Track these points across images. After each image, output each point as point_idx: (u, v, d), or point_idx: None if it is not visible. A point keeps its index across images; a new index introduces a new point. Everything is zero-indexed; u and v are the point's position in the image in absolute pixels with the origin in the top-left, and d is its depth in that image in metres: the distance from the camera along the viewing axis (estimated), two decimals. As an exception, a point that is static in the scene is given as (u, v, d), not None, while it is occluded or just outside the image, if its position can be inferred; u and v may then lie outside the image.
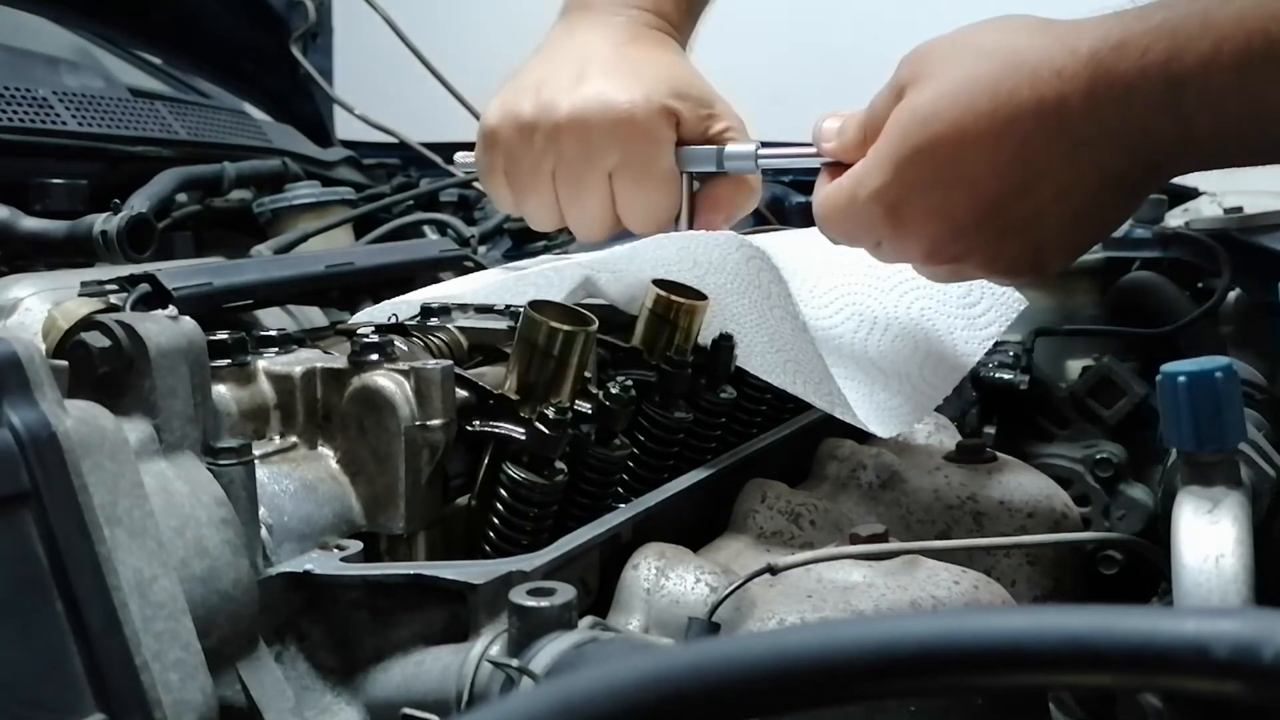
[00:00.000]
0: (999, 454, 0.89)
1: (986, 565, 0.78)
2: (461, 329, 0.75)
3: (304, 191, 1.46)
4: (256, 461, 0.58)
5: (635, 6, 0.95)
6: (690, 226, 0.89)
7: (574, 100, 0.88)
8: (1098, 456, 1.07)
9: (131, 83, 1.57)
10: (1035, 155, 0.64)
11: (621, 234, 0.93)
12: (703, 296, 0.77)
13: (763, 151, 0.88)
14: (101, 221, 1.12)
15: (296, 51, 1.74)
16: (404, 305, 0.89)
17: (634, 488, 0.73)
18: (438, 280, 1.08)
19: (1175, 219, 1.32)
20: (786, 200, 1.68)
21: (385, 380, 0.63)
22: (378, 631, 0.56)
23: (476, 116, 1.83)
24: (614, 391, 0.68)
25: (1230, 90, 0.60)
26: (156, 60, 1.79)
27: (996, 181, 0.65)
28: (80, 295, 0.85)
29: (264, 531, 0.58)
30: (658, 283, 0.76)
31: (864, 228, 0.71)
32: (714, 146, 0.89)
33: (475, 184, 1.64)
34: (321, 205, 1.44)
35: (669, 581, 0.65)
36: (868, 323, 0.84)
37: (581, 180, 0.89)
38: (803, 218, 1.69)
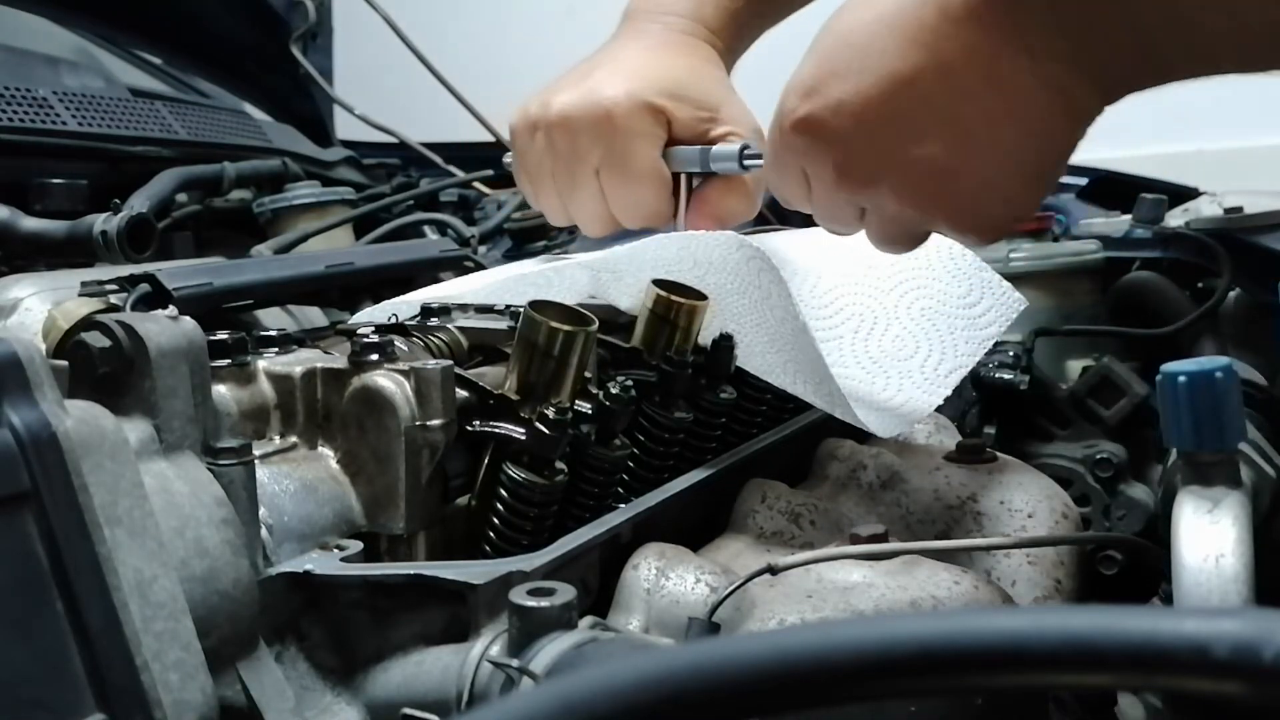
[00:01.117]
0: (999, 454, 0.89)
1: (986, 565, 0.78)
2: (461, 329, 0.75)
3: (304, 191, 1.46)
4: (256, 461, 0.58)
5: (672, 14, 0.95)
6: (685, 227, 0.90)
7: (564, 99, 0.89)
8: (1098, 456, 1.07)
9: (131, 83, 1.57)
10: (946, 44, 0.60)
11: (623, 234, 0.93)
12: (703, 296, 0.77)
13: (749, 152, 0.88)
14: (101, 221, 1.12)
15: (296, 51, 1.74)
16: (404, 305, 0.89)
17: (634, 488, 0.73)
18: (438, 280, 1.08)
19: (1175, 219, 1.32)
20: (787, 200, 1.68)
21: (385, 380, 0.63)
22: (378, 631, 0.56)
23: (477, 116, 1.84)
24: (614, 391, 0.68)
25: None
26: (156, 60, 1.79)
27: (903, 63, 0.61)
28: (80, 295, 0.85)
29: (264, 531, 0.58)
30: (658, 283, 0.76)
31: (788, 158, 0.68)
32: (700, 147, 0.90)
33: (475, 184, 1.64)
34: (321, 205, 1.44)
35: (669, 581, 0.65)
36: (868, 323, 0.84)
37: (573, 177, 0.91)
38: (803, 218, 1.69)
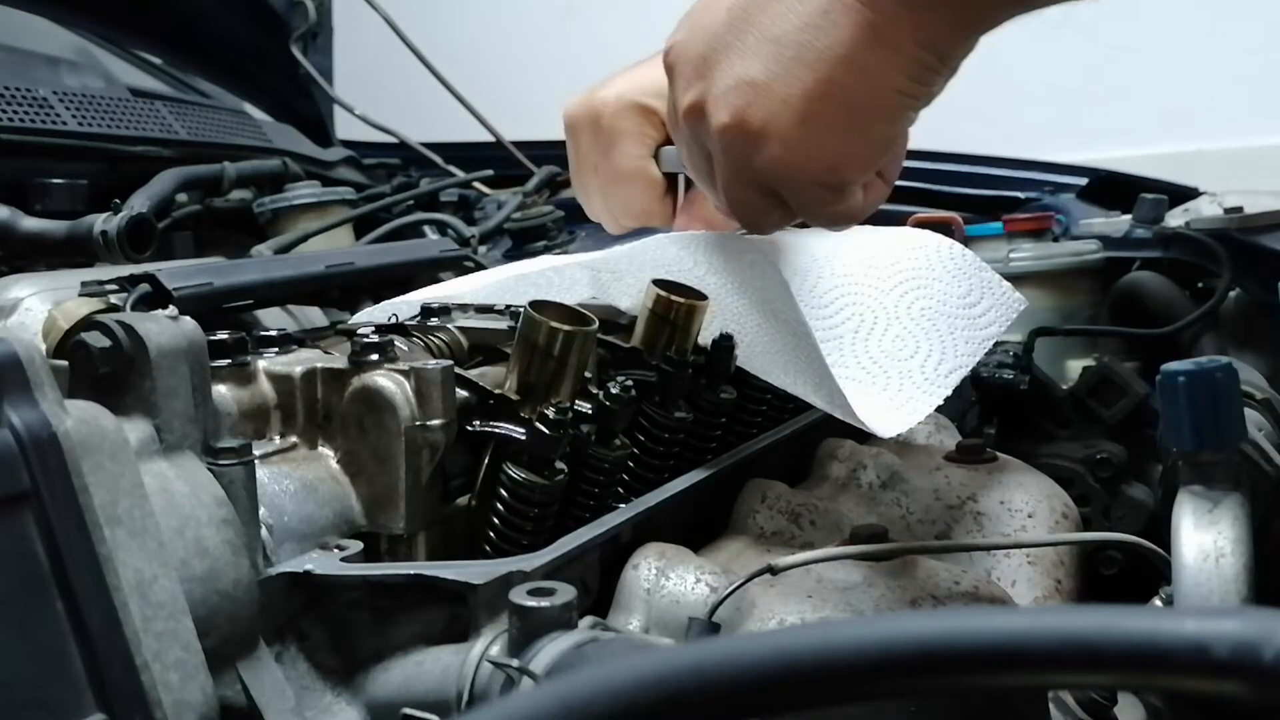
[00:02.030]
0: (999, 454, 0.89)
1: (986, 565, 0.78)
2: (462, 329, 0.75)
3: (304, 191, 1.46)
4: (257, 461, 0.58)
5: None
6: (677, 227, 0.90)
7: (571, 100, 0.90)
8: (1098, 456, 1.07)
9: (131, 83, 1.57)
10: None
11: (625, 233, 0.93)
12: (703, 296, 0.77)
13: None
14: (102, 221, 1.12)
15: (296, 51, 1.74)
16: (404, 305, 0.89)
17: (634, 488, 0.73)
18: (438, 280, 1.08)
19: (1175, 219, 1.32)
20: (787, 200, 1.68)
21: (385, 380, 0.63)
22: (378, 631, 0.56)
23: (477, 116, 1.84)
24: (614, 391, 0.68)
25: None
26: (156, 60, 1.80)
27: None
28: (80, 295, 0.85)
29: (264, 531, 0.58)
30: (658, 283, 0.76)
31: (673, 93, 0.71)
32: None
33: (475, 184, 1.64)
34: (321, 205, 1.45)
35: (669, 581, 0.65)
36: (868, 323, 0.84)
37: (578, 175, 0.91)
38: (803, 218, 1.69)
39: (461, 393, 0.65)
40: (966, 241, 1.12)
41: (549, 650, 0.49)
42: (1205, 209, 1.32)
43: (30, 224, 1.15)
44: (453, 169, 1.74)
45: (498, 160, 1.72)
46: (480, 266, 1.18)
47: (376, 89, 1.92)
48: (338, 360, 0.66)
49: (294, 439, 0.65)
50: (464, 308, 0.80)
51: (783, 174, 0.69)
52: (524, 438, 0.65)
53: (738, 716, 0.31)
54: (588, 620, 0.54)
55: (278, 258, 1.22)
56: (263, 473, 0.60)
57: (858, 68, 0.64)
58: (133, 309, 0.84)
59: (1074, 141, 2.42)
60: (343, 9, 1.84)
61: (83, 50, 1.65)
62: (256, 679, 0.54)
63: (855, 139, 0.68)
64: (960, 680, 0.30)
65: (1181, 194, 1.43)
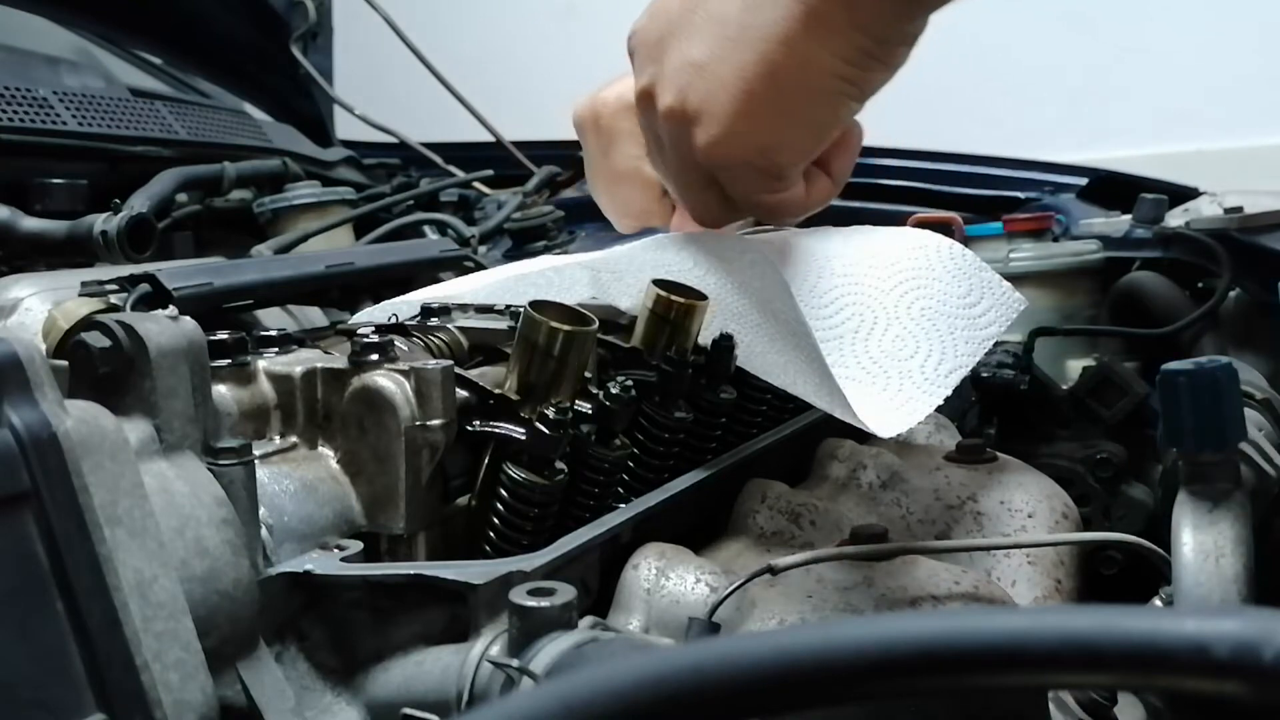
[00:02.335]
0: (999, 454, 0.89)
1: (986, 565, 0.78)
2: (462, 329, 0.75)
3: (304, 191, 1.46)
4: (257, 461, 0.58)
5: None
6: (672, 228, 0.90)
7: (580, 101, 0.90)
8: (1098, 456, 1.07)
9: (131, 83, 1.57)
10: None
11: (634, 233, 0.93)
12: (703, 296, 0.77)
13: None
14: (102, 221, 1.12)
15: (296, 51, 1.74)
16: (404, 305, 0.89)
17: (634, 488, 0.73)
18: (438, 280, 1.08)
19: (1175, 219, 1.32)
20: (786, 200, 1.68)
21: (385, 380, 0.63)
22: (378, 631, 0.56)
23: (477, 116, 1.85)
24: (614, 391, 0.68)
25: None
26: (156, 60, 1.80)
27: None
28: (80, 295, 0.85)
29: (264, 531, 0.58)
30: (658, 283, 0.76)
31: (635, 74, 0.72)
32: None
33: (475, 184, 1.64)
34: (321, 205, 1.45)
35: (669, 581, 0.65)
36: (868, 323, 0.84)
37: (588, 175, 0.92)
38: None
39: (461, 393, 0.65)
40: (966, 241, 1.12)
41: (549, 650, 0.49)
42: (1205, 209, 1.32)
43: (30, 224, 1.15)
44: (453, 169, 1.74)
45: (498, 160, 1.73)
46: (480, 266, 1.18)
47: (376, 89, 1.93)
48: (338, 360, 0.66)
49: (294, 439, 0.65)
50: (464, 308, 0.80)
51: (718, 157, 0.69)
52: (524, 438, 0.65)
53: (738, 716, 0.31)
54: (588, 620, 0.54)
55: (278, 258, 1.22)
56: (263, 473, 0.60)
57: (794, 49, 0.64)
58: (133, 309, 0.84)
59: (1074, 141, 2.42)
60: (343, 9, 1.84)
61: (83, 50, 1.65)
62: (256, 679, 0.54)
63: (790, 123, 0.68)
64: (960, 680, 0.30)
65: (1181, 194, 1.43)
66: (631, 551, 0.67)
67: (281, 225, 1.42)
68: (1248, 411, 0.85)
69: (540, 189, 1.62)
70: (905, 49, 0.67)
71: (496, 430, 0.65)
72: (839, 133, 0.74)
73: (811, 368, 0.75)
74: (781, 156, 0.70)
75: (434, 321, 0.76)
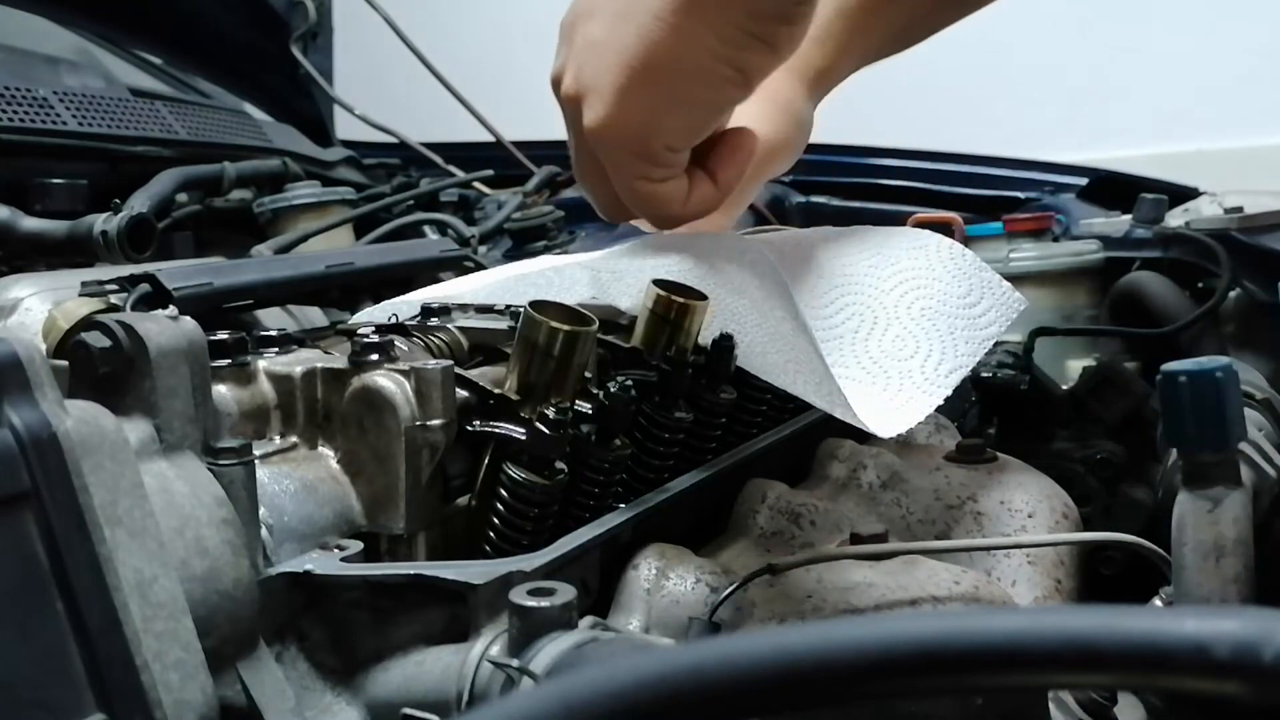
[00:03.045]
0: (999, 454, 0.89)
1: (986, 565, 0.78)
2: (462, 329, 0.75)
3: (304, 191, 1.46)
4: (257, 461, 0.58)
5: None
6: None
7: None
8: (1098, 456, 1.07)
9: (132, 83, 1.57)
10: None
11: (624, 233, 0.93)
12: (703, 296, 0.77)
13: None
14: (102, 221, 1.12)
15: (296, 51, 1.74)
16: (404, 305, 0.89)
17: (634, 488, 0.73)
18: (438, 280, 1.08)
19: (1175, 219, 1.32)
20: (786, 200, 1.68)
21: (385, 380, 0.63)
22: (378, 631, 0.56)
23: (477, 116, 1.85)
24: (614, 391, 0.68)
25: None
26: (156, 60, 1.80)
27: None
28: (80, 295, 0.85)
29: (264, 531, 0.58)
30: (658, 283, 0.76)
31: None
32: None
33: (475, 184, 1.64)
34: (321, 205, 1.45)
35: (669, 582, 0.65)
36: (868, 323, 0.84)
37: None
38: (803, 218, 1.70)
39: (461, 393, 0.65)
40: (966, 241, 1.12)
41: (549, 650, 0.49)
42: (1205, 209, 1.32)
43: (30, 224, 1.15)
44: (453, 169, 1.74)
45: (498, 160, 1.73)
46: (480, 266, 1.18)
47: (376, 89, 1.93)
48: (338, 360, 0.66)
49: (294, 439, 0.65)
50: (464, 308, 0.80)
51: (598, 137, 0.69)
52: (524, 438, 0.65)
53: (738, 716, 0.31)
54: (588, 620, 0.54)
55: (278, 258, 1.22)
56: (263, 473, 0.60)
57: (673, 26, 0.64)
58: (133, 309, 0.84)
59: (1074, 141, 2.42)
60: (343, 9, 1.85)
61: (83, 50, 1.65)
62: (256, 679, 0.54)
63: (668, 103, 0.67)
64: (960, 681, 0.30)
65: (1181, 194, 1.43)
66: (631, 551, 0.67)
67: (281, 225, 1.42)
68: (1248, 411, 0.85)
69: (540, 189, 1.62)
70: (789, 29, 0.66)
71: (496, 430, 0.65)
72: (720, 121, 0.72)
73: (811, 368, 0.75)
74: (658, 140, 0.68)
75: (434, 321, 0.76)
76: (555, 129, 0.92)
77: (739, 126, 0.75)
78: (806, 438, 0.87)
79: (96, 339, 0.55)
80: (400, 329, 0.73)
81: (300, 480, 0.62)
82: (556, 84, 0.70)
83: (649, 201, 0.73)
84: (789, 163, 0.97)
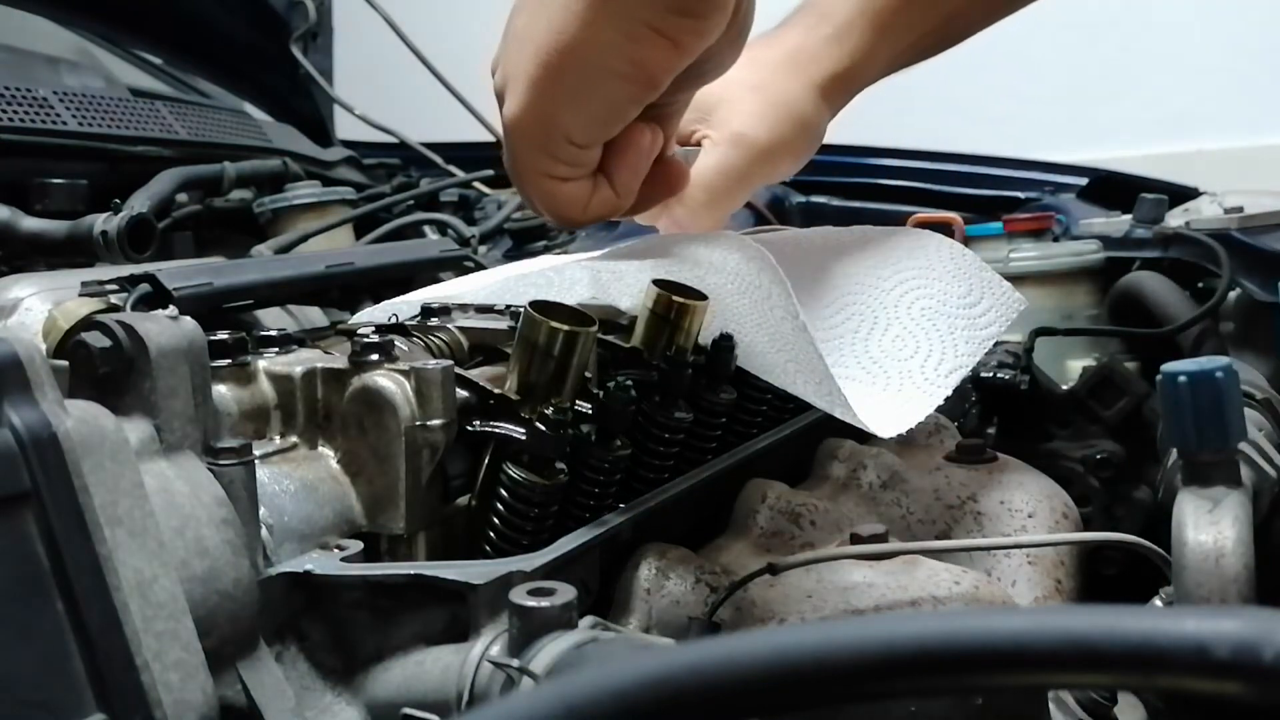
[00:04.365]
0: (999, 454, 0.89)
1: (987, 565, 0.78)
2: (462, 329, 0.75)
3: (304, 191, 1.46)
4: (257, 461, 0.58)
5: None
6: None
7: None
8: (1098, 456, 1.07)
9: (132, 83, 1.57)
10: None
11: (623, 233, 0.93)
12: (703, 296, 0.77)
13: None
14: (102, 221, 1.12)
15: (296, 51, 1.74)
16: (404, 305, 0.89)
17: (634, 488, 0.73)
18: (438, 280, 1.08)
19: (1175, 219, 1.32)
20: (786, 200, 1.68)
21: (386, 380, 0.63)
22: (378, 631, 0.56)
23: (477, 116, 1.85)
24: (614, 391, 0.68)
25: None
26: (156, 60, 1.80)
27: None
28: (80, 295, 0.85)
29: (264, 531, 0.58)
30: (658, 283, 0.76)
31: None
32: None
33: (475, 184, 1.64)
34: (321, 205, 1.45)
35: (669, 581, 0.65)
36: (868, 323, 0.84)
37: None
38: (803, 218, 1.70)
39: (462, 393, 0.65)
40: (966, 241, 1.12)
41: (549, 650, 0.49)
42: (1205, 209, 1.32)
43: (30, 224, 1.15)
44: (453, 169, 1.74)
45: (498, 160, 1.72)
46: (480, 266, 1.18)
47: (376, 89, 1.92)
48: (338, 360, 0.66)
49: (294, 439, 0.65)
50: (464, 308, 0.80)
51: (507, 128, 0.68)
52: (524, 438, 0.65)
53: (738, 716, 0.31)
54: (588, 620, 0.54)
55: (278, 258, 1.22)
56: (263, 473, 0.60)
57: (580, 19, 0.63)
58: (133, 309, 0.84)
59: (1074, 141, 2.42)
60: (343, 9, 1.84)
61: (83, 50, 1.65)
62: (256, 679, 0.54)
63: (570, 99, 0.66)
64: (960, 680, 0.30)
65: (1181, 194, 1.43)
66: (631, 551, 0.67)
67: (281, 225, 1.42)
68: (1248, 411, 0.85)
69: (540, 189, 1.62)
70: (694, 24, 0.64)
71: (496, 430, 0.65)
72: (623, 122, 0.70)
73: (811, 368, 0.75)
74: (559, 133, 0.67)
75: (434, 321, 0.76)
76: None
77: (638, 123, 0.74)
78: (806, 438, 0.87)
79: (96, 339, 0.55)
80: (400, 329, 0.73)
81: (300, 480, 0.62)
82: (493, 75, 0.70)
83: (550, 200, 0.72)
84: (791, 168, 0.94)
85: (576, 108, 0.67)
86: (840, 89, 0.94)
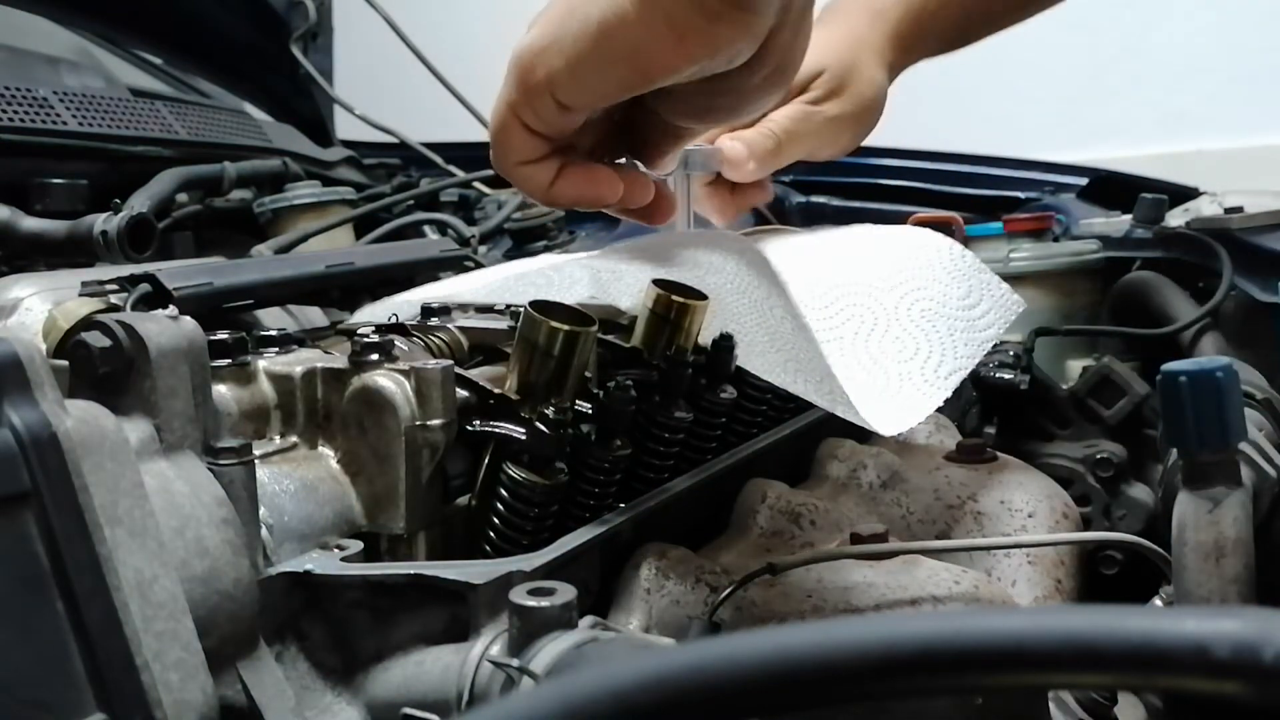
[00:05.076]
0: (999, 454, 0.89)
1: (987, 565, 0.78)
2: (462, 329, 0.75)
3: (304, 191, 1.46)
4: (257, 461, 0.58)
5: None
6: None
7: None
8: (1098, 456, 1.07)
9: (132, 83, 1.57)
10: None
11: (623, 233, 0.93)
12: (703, 296, 0.77)
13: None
14: (102, 221, 1.12)
15: (297, 51, 1.74)
16: (404, 305, 0.89)
17: (634, 488, 0.73)
18: (438, 280, 1.08)
19: (1176, 219, 1.32)
20: (786, 200, 1.68)
21: (386, 380, 0.63)
22: (378, 631, 0.56)
23: (477, 116, 1.84)
24: (614, 391, 0.68)
25: None
26: (157, 60, 1.80)
27: None
28: (81, 295, 0.85)
29: (264, 531, 0.58)
30: (658, 283, 0.76)
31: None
32: None
33: (475, 184, 1.64)
34: (321, 205, 1.45)
35: (669, 581, 0.65)
36: (868, 323, 0.84)
37: None
38: (803, 218, 1.70)
39: (462, 393, 0.65)
40: (966, 241, 1.12)
41: (549, 650, 0.49)
42: (1205, 209, 1.32)
43: (30, 224, 1.15)
44: (453, 169, 1.73)
45: (497, 160, 1.72)
46: (480, 266, 1.18)
47: (376, 89, 1.92)
48: (338, 360, 0.66)
49: (294, 439, 0.65)
50: (464, 308, 0.80)
51: (511, 59, 0.67)
52: (524, 438, 0.65)
53: (738, 716, 0.31)
54: (588, 620, 0.54)
55: (278, 258, 1.22)
56: (263, 473, 0.60)
57: None
58: (133, 309, 0.84)
59: (1074, 141, 2.42)
60: (343, 9, 1.84)
61: (83, 50, 1.65)
62: (257, 679, 0.54)
63: (572, 49, 0.64)
64: (960, 680, 0.30)
65: (1181, 194, 1.43)
66: (631, 551, 0.67)
67: (281, 225, 1.42)
68: (1248, 411, 0.85)
69: (540, 189, 1.62)
70: (709, 32, 0.62)
71: (496, 430, 0.65)
72: (603, 102, 0.68)
73: (811, 367, 0.75)
74: (545, 82, 0.66)
75: (434, 321, 0.76)
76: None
77: (607, 170, 0.73)
78: (806, 438, 0.87)
79: (97, 339, 0.55)
80: (400, 329, 0.73)
81: (300, 480, 0.62)
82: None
83: (503, 149, 0.70)
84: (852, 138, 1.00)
85: (573, 64, 0.65)
86: (890, 78, 1.02)
